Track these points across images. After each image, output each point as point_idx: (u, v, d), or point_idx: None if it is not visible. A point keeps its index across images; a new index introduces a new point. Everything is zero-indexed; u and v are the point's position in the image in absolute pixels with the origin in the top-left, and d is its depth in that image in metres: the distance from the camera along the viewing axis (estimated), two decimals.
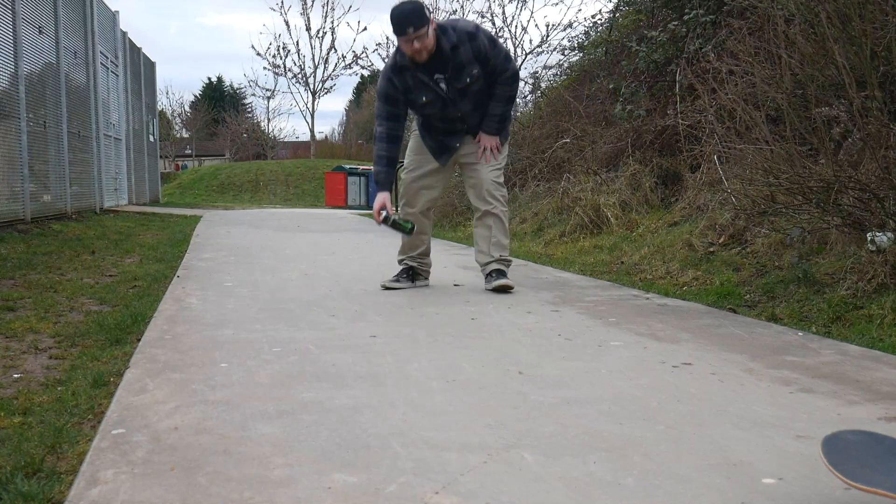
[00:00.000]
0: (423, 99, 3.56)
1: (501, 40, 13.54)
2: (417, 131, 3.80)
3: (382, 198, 3.59)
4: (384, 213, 3.53)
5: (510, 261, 3.84)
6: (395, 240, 4.14)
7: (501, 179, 3.77)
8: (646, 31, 6.64)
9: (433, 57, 3.44)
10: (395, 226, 3.57)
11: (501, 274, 3.73)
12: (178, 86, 77.99)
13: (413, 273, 3.86)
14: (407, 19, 3.32)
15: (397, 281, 3.80)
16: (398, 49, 3.50)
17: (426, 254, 3.87)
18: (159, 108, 23.29)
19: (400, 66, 3.51)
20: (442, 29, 3.44)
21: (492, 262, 3.74)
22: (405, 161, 3.86)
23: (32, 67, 7.43)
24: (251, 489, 1.38)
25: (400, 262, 3.89)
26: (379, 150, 3.62)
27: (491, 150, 3.70)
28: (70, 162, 8.47)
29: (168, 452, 1.55)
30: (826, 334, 2.76)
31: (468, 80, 3.51)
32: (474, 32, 3.49)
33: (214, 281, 4.05)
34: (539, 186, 7.40)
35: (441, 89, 3.53)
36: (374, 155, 3.67)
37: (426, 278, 3.92)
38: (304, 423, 1.74)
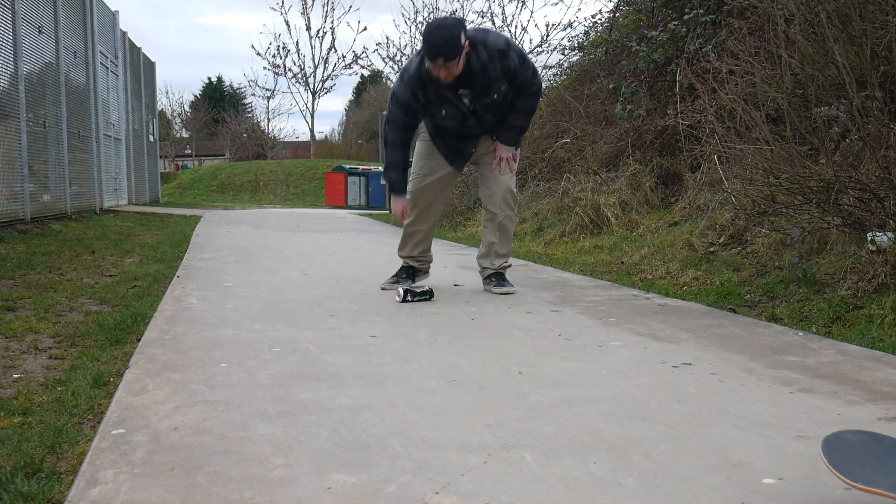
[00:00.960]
0: (443, 112, 3.52)
1: None
2: (426, 134, 3.72)
3: (402, 202, 3.63)
4: (401, 294, 3.43)
5: (510, 265, 3.86)
6: (394, 240, 4.14)
7: (515, 187, 3.78)
8: (646, 31, 6.64)
9: (460, 74, 3.37)
10: (416, 297, 3.48)
11: (501, 278, 3.75)
12: (177, 86, 78.09)
13: (413, 272, 3.86)
14: (440, 51, 3.24)
15: (396, 282, 3.80)
16: (423, 60, 3.36)
17: (427, 249, 3.88)
18: (159, 108, 23.30)
19: (425, 79, 3.41)
20: (473, 45, 3.34)
21: (490, 268, 3.79)
22: (414, 166, 3.78)
23: (32, 67, 7.43)
24: (251, 489, 1.38)
25: (402, 258, 3.89)
26: (394, 156, 3.57)
27: (507, 160, 3.69)
28: (70, 162, 8.47)
29: (168, 452, 1.55)
30: (826, 334, 2.76)
31: (495, 95, 3.48)
32: (505, 50, 3.40)
33: (214, 281, 4.05)
34: (539, 186, 7.40)
35: (463, 104, 3.48)
36: (387, 161, 3.61)
37: (426, 273, 3.93)
38: (304, 424, 1.74)
